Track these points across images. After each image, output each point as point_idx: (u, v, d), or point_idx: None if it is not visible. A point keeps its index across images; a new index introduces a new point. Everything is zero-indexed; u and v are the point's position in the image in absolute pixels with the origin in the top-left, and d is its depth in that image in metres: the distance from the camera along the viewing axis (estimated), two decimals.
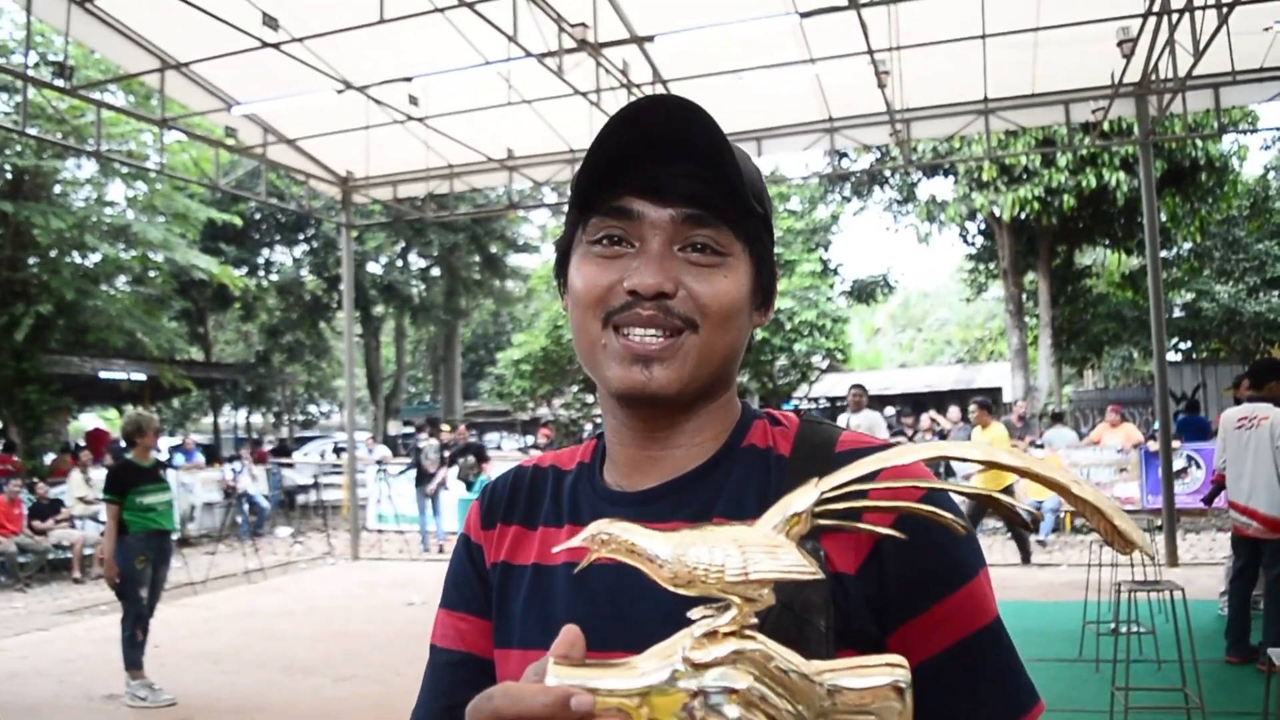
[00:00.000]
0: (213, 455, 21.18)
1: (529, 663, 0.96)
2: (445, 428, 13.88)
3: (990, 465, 0.72)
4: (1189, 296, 23.11)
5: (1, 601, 11.48)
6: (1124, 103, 11.49)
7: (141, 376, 21.16)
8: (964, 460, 0.72)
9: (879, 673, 0.70)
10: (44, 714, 6.53)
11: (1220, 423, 7.14)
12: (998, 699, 0.92)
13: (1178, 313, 23.08)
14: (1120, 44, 8.73)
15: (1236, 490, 6.67)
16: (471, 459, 13.51)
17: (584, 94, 9.76)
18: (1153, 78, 10.64)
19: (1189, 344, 23.85)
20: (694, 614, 0.73)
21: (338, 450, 27.11)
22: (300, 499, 20.78)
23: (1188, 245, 22.80)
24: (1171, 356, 21.90)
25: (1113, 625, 6.85)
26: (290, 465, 21.25)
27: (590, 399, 26.47)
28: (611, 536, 0.73)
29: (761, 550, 0.70)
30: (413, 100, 10.81)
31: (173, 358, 21.94)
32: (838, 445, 1.00)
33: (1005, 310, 22.01)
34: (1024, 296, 22.10)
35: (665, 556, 0.71)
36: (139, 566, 6.84)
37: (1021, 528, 0.80)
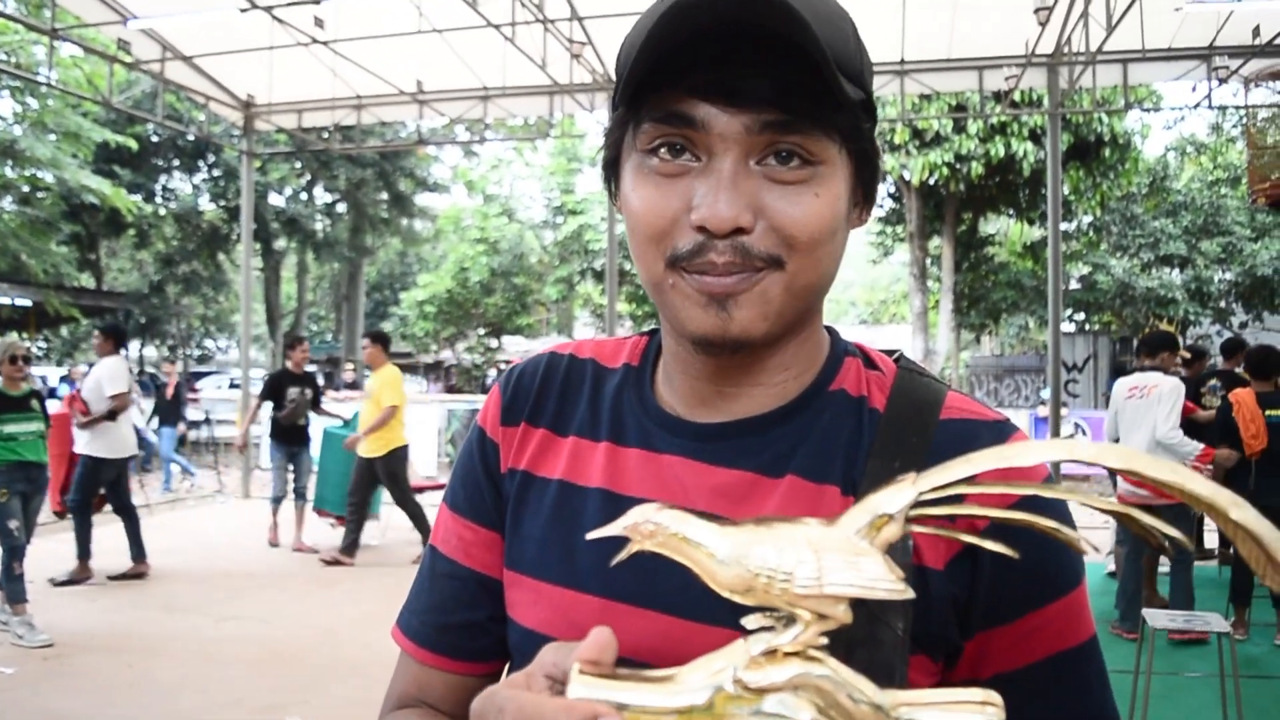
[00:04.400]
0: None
1: (542, 597, 0.89)
2: (293, 353, 9.94)
3: (1130, 474, 0.55)
4: (1085, 269, 23.73)
5: None
6: (1036, 73, 11.63)
7: (26, 302, 20.30)
8: (1096, 465, 0.56)
9: (969, 710, 0.58)
10: None
11: (1112, 392, 7.23)
12: None
13: (1074, 284, 23.70)
14: (1036, 11, 8.80)
15: None
16: (307, 392, 9.68)
17: (497, 26, 9.49)
18: (1065, 49, 10.78)
19: (1083, 315, 24.54)
20: (749, 622, 0.61)
21: (234, 386, 26.43)
22: (192, 435, 20.23)
23: (1088, 219, 23.38)
24: (1065, 327, 22.50)
25: None
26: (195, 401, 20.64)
27: (494, 343, 26.29)
28: (659, 527, 0.60)
29: (841, 557, 0.58)
30: (318, 22, 10.39)
31: (60, 284, 21.06)
32: (942, 410, 0.85)
33: (910, 274, 22.32)
34: (928, 261, 22.44)
35: (723, 556, 0.58)
36: (1, 500, 6.57)
37: (1158, 550, 0.58)
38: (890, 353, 0.94)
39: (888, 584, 0.57)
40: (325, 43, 11.02)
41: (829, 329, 0.94)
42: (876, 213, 24.68)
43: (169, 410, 14.60)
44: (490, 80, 12.36)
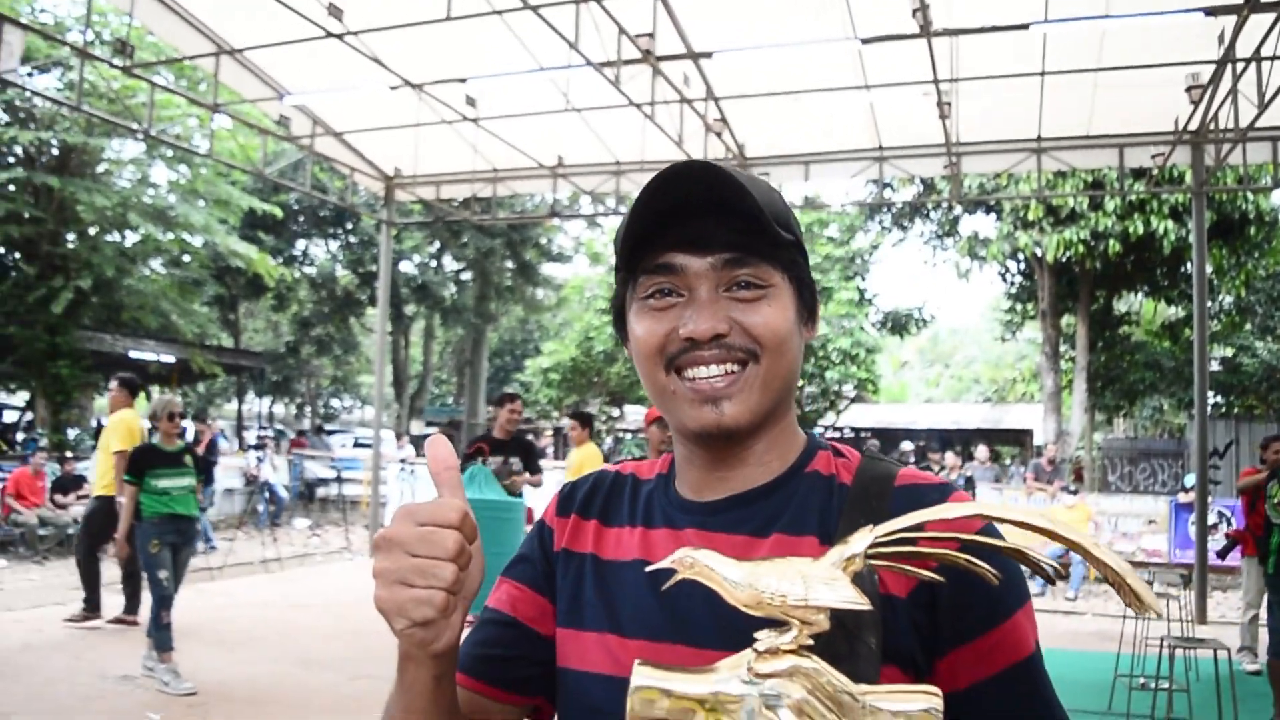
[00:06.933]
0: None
1: (596, 644, 1.11)
2: (500, 412, 8.17)
3: (1020, 525, 0.80)
4: (1228, 351, 22.81)
5: (19, 573, 11.50)
6: (1178, 150, 11.33)
7: (171, 359, 21.26)
8: (1002, 520, 0.81)
9: (916, 699, 0.79)
10: (58, 690, 6.48)
11: None
12: None
13: (1215, 366, 22.75)
14: (1189, 90, 8.60)
15: None
16: (513, 462, 7.93)
17: (638, 105, 9.70)
18: (1211, 126, 10.50)
19: (1224, 399, 23.53)
20: (760, 634, 0.81)
21: (358, 445, 27.10)
22: (320, 492, 20.80)
23: (1229, 299, 22.52)
24: None
25: (1142, 680, 6.73)
26: (311, 457, 21.26)
27: (615, 412, 26.49)
28: (696, 561, 0.83)
29: (821, 582, 0.80)
30: (470, 101, 10.80)
31: (203, 342, 22.04)
32: (897, 480, 1.07)
33: (1041, 352, 21.75)
34: (1060, 339, 21.85)
35: (739, 581, 0.81)
36: (153, 551, 6.81)
37: (1048, 581, 0.90)
38: (858, 446, 1.15)
39: (852, 600, 0.79)
40: (474, 120, 11.42)
41: (807, 433, 1.17)
42: (1005, 289, 24.22)
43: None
44: (624, 155, 12.64)
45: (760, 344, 1.04)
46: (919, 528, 0.81)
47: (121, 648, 7.46)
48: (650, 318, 1.07)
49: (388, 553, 0.89)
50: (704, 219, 1.02)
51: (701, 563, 0.83)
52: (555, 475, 10.06)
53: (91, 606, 8.73)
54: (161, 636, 6.76)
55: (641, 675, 0.82)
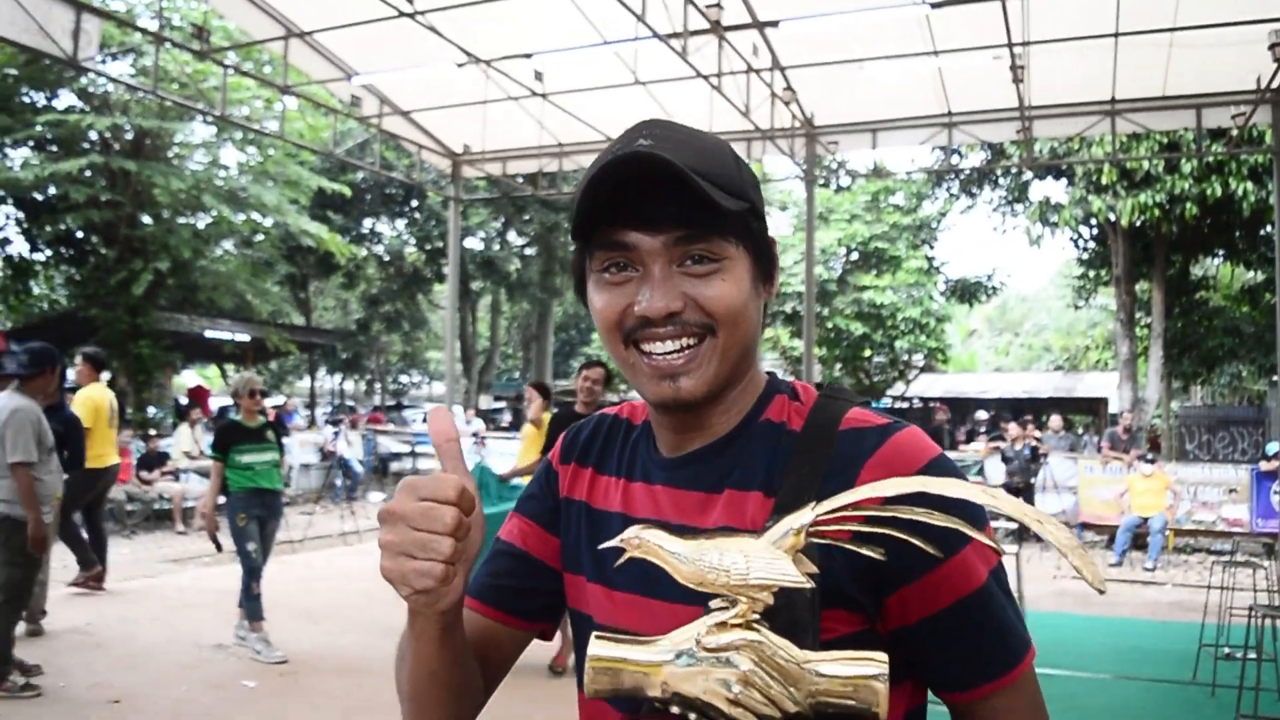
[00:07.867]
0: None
1: (588, 592, 1.20)
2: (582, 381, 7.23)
3: (964, 502, 0.86)
4: None
5: (110, 548, 11.82)
6: (1260, 109, 11.01)
7: (245, 337, 21.71)
8: (941, 494, 0.85)
9: (863, 664, 0.85)
10: (157, 658, 6.72)
11: None
12: (995, 649, 1.05)
13: None
14: (1271, 47, 8.35)
15: None
16: None
17: (705, 77, 9.66)
18: None
19: None
20: (713, 604, 0.87)
21: (426, 420, 27.34)
22: (394, 466, 21.16)
23: None
24: None
25: (1227, 650, 6.64)
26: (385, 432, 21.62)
27: None
28: (643, 541, 0.88)
29: (763, 560, 0.85)
30: (538, 76, 10.84)
31: (276, 321, 22.46)
32: (841, 423, 1.09)
33: (1116, 319, 21.34)
34: (1135, 306, 21.41)
35: (684, 558, 0.86)
36: (240, 524, 7.00)
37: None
38: (819, 386, 1.19)
39: (793, 577, 0.84)
40: (541, 95, 11.45)
41: (770, 374, 1.21)
42: (1077, 254, 23.75)
43: None
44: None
45: (715, 318, 1.06)
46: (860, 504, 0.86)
47: (212, 619, 7.69)
48: (607, 292, 1.09)
49: (391, 526, 0.95)
50: (654, 198, 1.03)
51: (649, 542, 0.88)
52: None
53: (87, 563, 8.75)
54: (252, 607, 6.97)
55: (597, 646, 0.89)
